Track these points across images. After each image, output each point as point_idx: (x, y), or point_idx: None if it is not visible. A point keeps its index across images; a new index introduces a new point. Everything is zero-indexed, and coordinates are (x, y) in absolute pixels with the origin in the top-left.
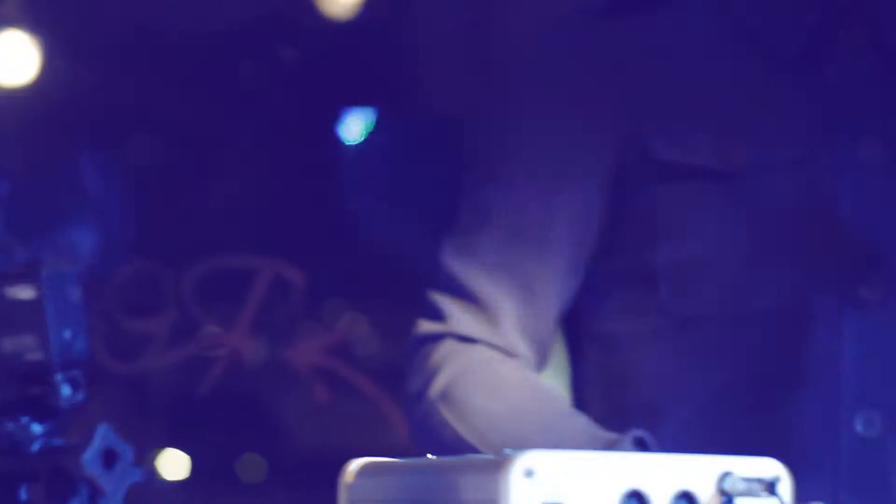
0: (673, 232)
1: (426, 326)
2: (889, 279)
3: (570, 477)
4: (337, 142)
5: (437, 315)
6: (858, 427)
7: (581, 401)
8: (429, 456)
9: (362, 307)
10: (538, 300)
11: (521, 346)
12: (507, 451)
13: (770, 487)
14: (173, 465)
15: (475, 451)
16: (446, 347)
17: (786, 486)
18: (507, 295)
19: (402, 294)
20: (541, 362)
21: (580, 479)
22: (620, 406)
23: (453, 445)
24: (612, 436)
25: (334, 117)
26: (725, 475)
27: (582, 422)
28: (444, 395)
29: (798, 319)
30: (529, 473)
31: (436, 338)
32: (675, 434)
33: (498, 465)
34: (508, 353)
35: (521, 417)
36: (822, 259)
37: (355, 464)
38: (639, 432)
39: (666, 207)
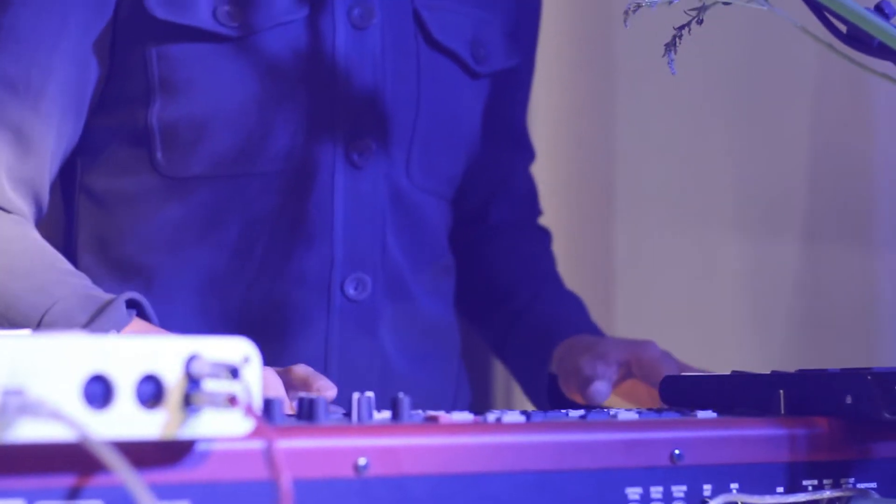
0: (168, 90)
1: None
2: (377, 140)
3: (30, 361)
4: None
5: None
6: (350, 290)
7: (79, 259)
8: None
9: None
10: (34, 153)
11: (17, 201)
12: None
13: (234, 372)
14: None
15: None
16: None
17: (253, 367)
18: (0, 148)
19: None
20: (38, 216)
21: (40, 362)
22: (117, 267)
23: None
24: (106, 296)
25: None
26: (192, 357)
27: (77, 282)
28: None
29: (299, 181)
30: None
31: None
32: (177, 297)
33: None
34: (2, 209)
35: (11, 277)
36: (321, 119)
37: None
38: (132, 294)
39: (161, 66)
